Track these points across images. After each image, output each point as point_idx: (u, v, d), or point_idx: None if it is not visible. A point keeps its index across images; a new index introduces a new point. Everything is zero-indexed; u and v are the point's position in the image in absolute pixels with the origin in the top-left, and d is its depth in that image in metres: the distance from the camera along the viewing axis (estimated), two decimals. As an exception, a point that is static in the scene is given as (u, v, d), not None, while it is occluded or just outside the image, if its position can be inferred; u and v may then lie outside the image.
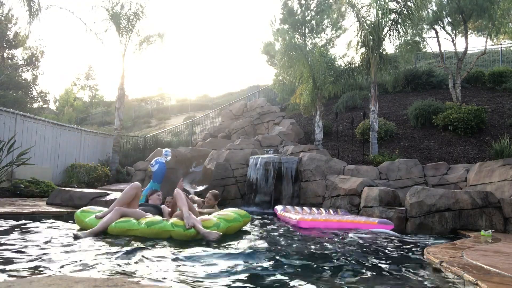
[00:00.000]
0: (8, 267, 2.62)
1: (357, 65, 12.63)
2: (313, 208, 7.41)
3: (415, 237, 5.64)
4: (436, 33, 14.41)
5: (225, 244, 4.08)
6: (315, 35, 20.43)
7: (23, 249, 3.28)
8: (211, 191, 6.04)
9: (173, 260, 3.21)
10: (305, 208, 7.46)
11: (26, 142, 10.21)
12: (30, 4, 10.33)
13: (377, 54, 11.21)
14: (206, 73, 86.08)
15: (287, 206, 7.70)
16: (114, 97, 15.33)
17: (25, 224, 4.78)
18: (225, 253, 3.66)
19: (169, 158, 7.25)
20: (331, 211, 7.19)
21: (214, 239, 4.07)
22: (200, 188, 9.59)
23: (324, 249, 4.26)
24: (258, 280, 2.73)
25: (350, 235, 5.30)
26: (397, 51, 12.85)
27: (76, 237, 3.90)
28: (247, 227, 5.36)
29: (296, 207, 7.52)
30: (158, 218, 4.39)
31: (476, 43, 66.27)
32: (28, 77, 27.23)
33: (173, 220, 4.38)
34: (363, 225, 5.90)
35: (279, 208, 7.52)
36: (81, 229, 4.51)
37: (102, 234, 4.19)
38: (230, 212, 5.07)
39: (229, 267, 3.05)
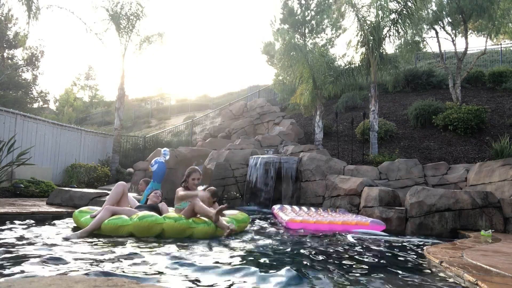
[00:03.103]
0: (8, 267, 2.62)
1: (357, 65, 12.63)
2: (312, 208, 7.37)
3: (412, 238, 5.64)
4: (436, 33, 14.41)
5: (224, 245, 4.08)
6: (315, 35, 20.43)
7: (23, 249, 3.28)
8: (209, 188, 5.82)
9: (173, 260, 3.21)
10: (303, 208, 7.41)
11: (26, 142, 10.21)
12: (29, 3, 10.32)
13: (377, 54, 11.20)
14: (206, 73, 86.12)
15: (285, 205, 7.65)
16: (114, 97, 15.34)
17: (25, 224, 4.78)
18: (223, 253, 3.66)
19: (167, 157, 7.24)
20: (329, 211, 7.17)
21: (230, 231, 4.31)
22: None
23: (321, 250, 4.26)
24: (257, 281, 2.73)
25: (348, 236, 5.30)
26: (397, 51, 12.83)
27: (66, 239, 3.90)
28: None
29: (295, 207, 7.46)
30: (150, 212, 4.47)
31: (476, 43, 66.28)
32: (28, 77, 27.25)
33: (167, 214, 4.59)
34: (354, 226, 5.78)
35: (276, 207, 7.49)
36: (77, 228, 4.55)
37: (95, 233, 4.24)
38: (236, 212, 5.45)
39: (228, 267, 3.05)
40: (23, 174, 9.29)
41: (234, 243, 4.22)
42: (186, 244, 3.95)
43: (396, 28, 11.51)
